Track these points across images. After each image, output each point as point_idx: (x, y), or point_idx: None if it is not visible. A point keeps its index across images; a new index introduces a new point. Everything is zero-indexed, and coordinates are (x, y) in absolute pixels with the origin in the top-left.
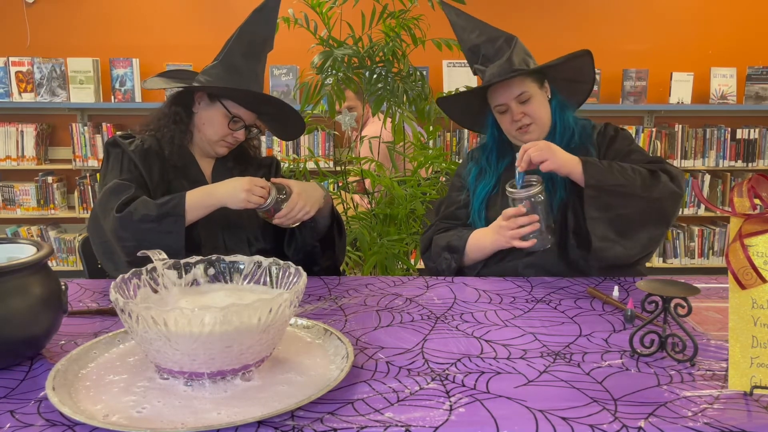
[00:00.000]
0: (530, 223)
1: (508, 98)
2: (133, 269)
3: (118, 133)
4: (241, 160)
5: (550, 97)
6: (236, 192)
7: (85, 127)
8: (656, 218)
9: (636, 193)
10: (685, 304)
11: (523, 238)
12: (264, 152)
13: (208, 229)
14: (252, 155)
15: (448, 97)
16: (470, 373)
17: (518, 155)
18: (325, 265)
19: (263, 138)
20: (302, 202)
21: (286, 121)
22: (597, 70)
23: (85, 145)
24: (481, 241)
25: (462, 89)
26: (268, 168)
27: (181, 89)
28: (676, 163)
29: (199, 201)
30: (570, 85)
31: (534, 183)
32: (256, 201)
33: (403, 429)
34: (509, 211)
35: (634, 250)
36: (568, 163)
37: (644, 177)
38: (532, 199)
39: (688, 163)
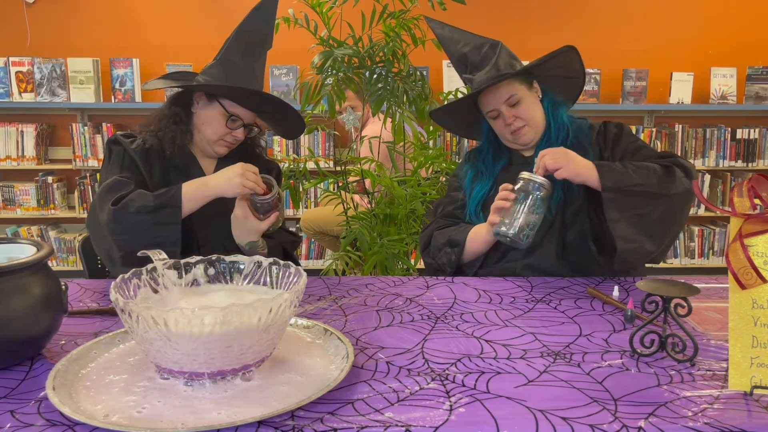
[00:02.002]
0: (505, 199)
1: (498, 103)
2: (134, 269)
3: (120, 132)
4: (243, 160)
5: (541, 97)
6: (230, 178)
7: (85, 127)
8: (674, 214)
9: (653, 191)
10: (685, 304)
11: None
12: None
13: (208, 233)
14: (257, 155)
15: (441, 108)
16: (470, 373)
17: (536, 161)
18: None
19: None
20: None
21: (286, 121)
22: (597, 70)
23: (85, 145)
24: (480, 230)
25: (462, 89)
26: (269, 173)
27: (180, 90)
28: None
29: (195, 192)
30: (561, 82)
31: (544, 181)
32: (250, 186)
33: (403, 429)
34: (506, 185)
35: (657, 248)
36: (583, 171)
37: (659, 174)
38: (521, 185)
39: None
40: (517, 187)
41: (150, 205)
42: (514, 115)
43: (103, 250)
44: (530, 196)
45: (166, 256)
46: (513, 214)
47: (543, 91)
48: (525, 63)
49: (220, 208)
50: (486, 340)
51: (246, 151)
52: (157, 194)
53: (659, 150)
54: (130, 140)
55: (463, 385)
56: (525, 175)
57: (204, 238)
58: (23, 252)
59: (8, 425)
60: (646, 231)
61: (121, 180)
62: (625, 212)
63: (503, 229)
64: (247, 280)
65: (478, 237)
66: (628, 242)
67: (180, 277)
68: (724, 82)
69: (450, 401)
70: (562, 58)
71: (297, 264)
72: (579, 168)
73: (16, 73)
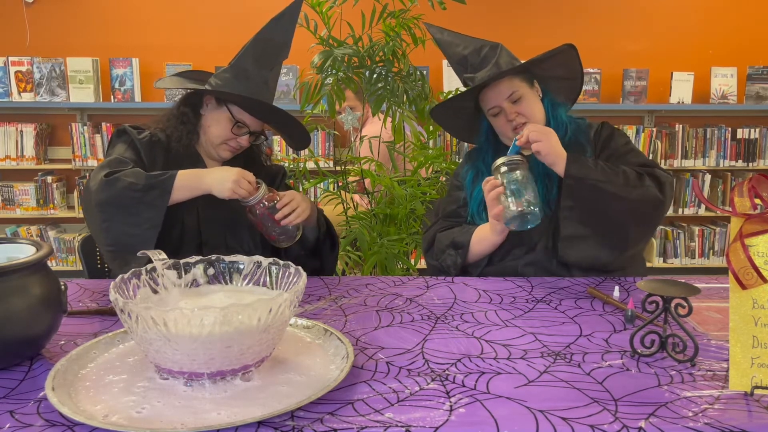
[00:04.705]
0: (494, 188)
1: (500, 100)
2: (133, 269)
3: (128, 124)
4: (249, 165)
5: (541, 96)
6: (224, 181)
7: (85, 127)
8: (635, 220)
9: (614, 191)
10: (686, 304)
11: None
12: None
13: (212, 231)
14: (262, 162)
15: (441, 104)
16: (470, 373)
17: (522, 131)
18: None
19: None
20: (296, 202)
21: (292, 133)
22: (597, 70)
23: (85, 145)
24: (484, 230)
25: (462, 88)
26: (274, 177)
27: (190, 91)
28: (676, 163)
29: (188, 181)
30: (560, 83)
31: (516, 160)
32: (241, 194)
33: (403, 429)
34: (487, 178)
35: (604, 249)
36: (555, 153)
37: (628, 177)
38: (502, 169)
39: (688, 163)
40: (500, 172)
41: (140, 183)
42: (516, 112)
43: (91, 226)
44: (514, 173)
45: (165, 256)
46: (509, 197)
47: (543, 91)
48: None
49: (223, 205)
50: (486, 340)
51: (251, 158)
52: (151, 175)
53: (658, 154)
54: (137, 131)
55: (463, 386)
56: (500, 160)
57: (207, 235)
58: (23, 252)
59: (8, 425)
60: (595, 228)
61: (121, 159)
62: (579, 202)
63: (510, 212)
64: (246, 281)
65: (483, 239)
66: (573, 230)
67: (179, 277)
68: (724, 81)
69: (450, 401)
70: (563, 57)
71: (334, 240)
72: (553, 149)
73: (16, 72)
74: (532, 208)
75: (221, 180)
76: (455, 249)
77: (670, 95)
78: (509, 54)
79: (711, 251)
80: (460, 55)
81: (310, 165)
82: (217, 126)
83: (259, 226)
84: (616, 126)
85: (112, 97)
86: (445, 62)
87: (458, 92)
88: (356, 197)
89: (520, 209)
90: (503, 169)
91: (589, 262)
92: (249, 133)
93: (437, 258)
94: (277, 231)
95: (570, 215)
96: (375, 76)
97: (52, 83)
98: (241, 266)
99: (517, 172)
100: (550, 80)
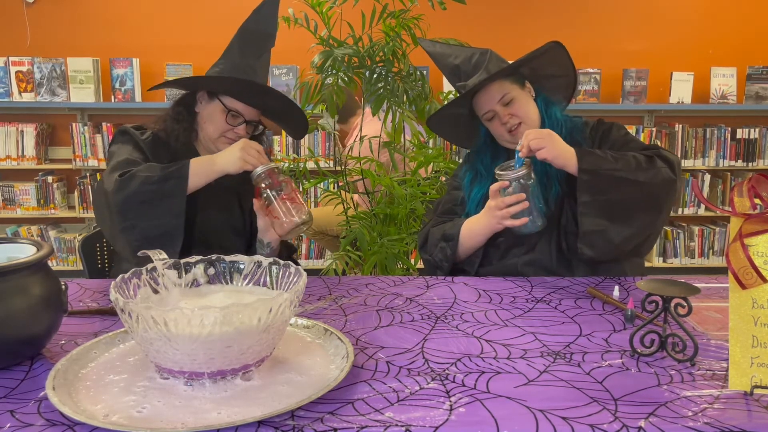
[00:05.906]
0: (518, 202)
1: (492, 103)
2: (133, 269)
3: (129, 124)
4: None
5: (534, 96)
6: (232, 153)
7: (85, 127)
8: (650, 204)
9: (629, 177)
10: (686, 304)
11: (516, 218)
12: None
13: (208, 228)
14: None
15: (437, 114)
16: (470, 372)
17: (521, 140)
18: None
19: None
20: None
21: (289, 118)
22: (597, 70)
23: (85, 145)
24: (474, 225)
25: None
26: None
27: (184, 91)
28: None
29: (202, 167)
30: (553, 81)
31: (526, 171)
32: (251, 161)
33: (403, 429)
34: (494, 186)
35: (624, 236)
36: (563, 154)
37: (639, 161)
38: (521, 181)
39: (688, 163)
40: (508, 190)
41: (156, 175)
42: (509, 114)
43: (109, 232)
44: (527, 186)
45: (166, 255)
46: (529, 208)
47: (536, 90)
48: None
49: (221, 207)
50: (486, 340)
51: None
52: (164, 166)
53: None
54: (140, 132)
55: (463, 385)
56: (511, 175)
57: (204, 237)
58: (23, 252)
59: (8, 425)
60: (615, 217)
61: (132, 159)
62: (597, 196)
63: (535, 224)
64: (246, 280)
65: (472, 232)
66: (594, 225)
67: (180, 276)
68: (724, 81)
69: (450, 401)
70: (550, 55)
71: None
72: (560, 150)
73: (16, 72)
74: (543, 214)
75: (230, 154)
76: (446, 241)
77: (669, 95)
78: (498, 58)
79: (711, 251)
80: (453, 65)
81: (310, 165)
82: (212, 119)
83: (268, 209)
84: None
85: (112, 97)
86: None
87: (458, 93)
88: (356, 197)
89: (537, 225)
90: (515, 189)
91: (609, 254)
92: (245, 122)
93: (430, 253)
94: (284, 221)
95: (587, 211)
96: (375, 76)
97: (52, 83)
98: (242, 266)
99: (530, 185)
100: (544, 79)
